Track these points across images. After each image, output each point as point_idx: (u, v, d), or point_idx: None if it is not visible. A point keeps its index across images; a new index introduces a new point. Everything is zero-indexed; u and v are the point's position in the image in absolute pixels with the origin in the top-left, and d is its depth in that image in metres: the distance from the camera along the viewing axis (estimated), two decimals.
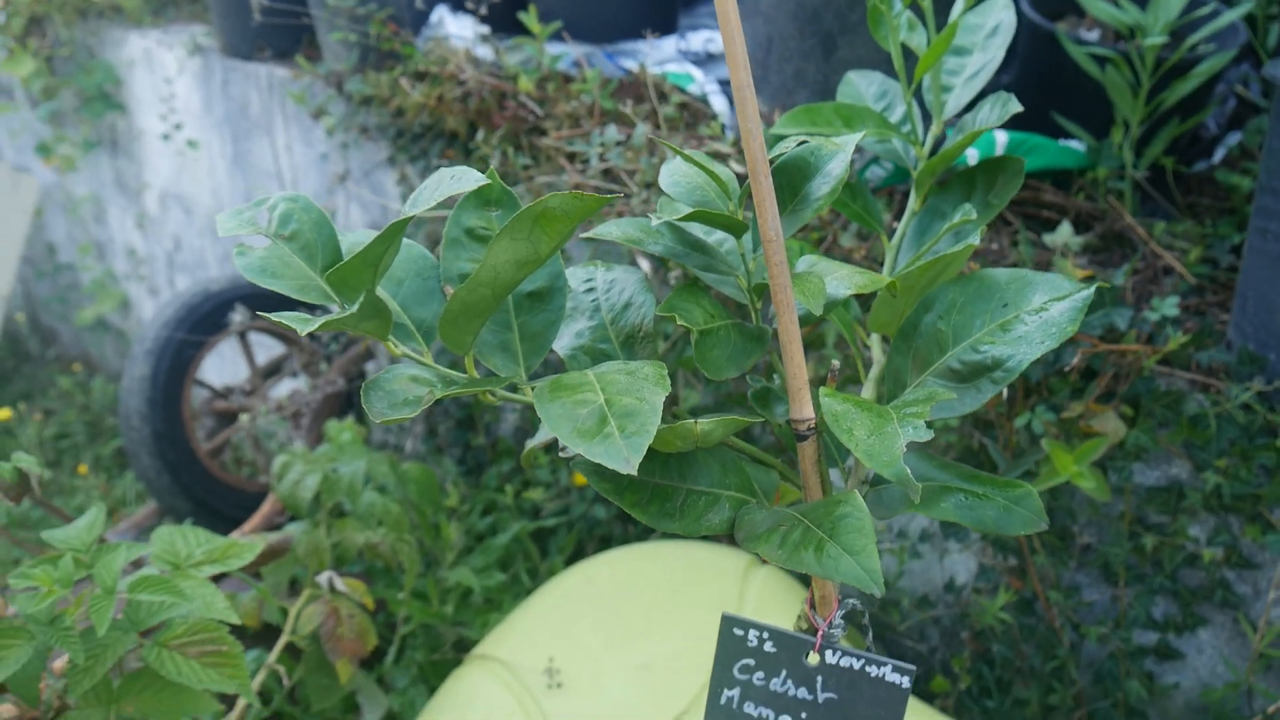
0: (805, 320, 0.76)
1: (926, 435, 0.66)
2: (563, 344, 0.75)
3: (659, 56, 2.01)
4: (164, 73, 2.88)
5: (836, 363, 0.78)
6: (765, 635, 0.75)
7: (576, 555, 1.90)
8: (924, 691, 1.58)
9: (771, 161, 0.76)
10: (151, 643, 0.95)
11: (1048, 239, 1.56)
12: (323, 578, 1.34)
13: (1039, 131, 1.70)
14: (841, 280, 0.75)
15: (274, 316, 0.58)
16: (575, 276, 0.79)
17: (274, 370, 2.36)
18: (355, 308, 0.61)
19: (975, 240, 0.82)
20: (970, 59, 1.13)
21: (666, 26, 2.12)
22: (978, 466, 1.45)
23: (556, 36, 2.04)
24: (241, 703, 1.30)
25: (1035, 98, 1.78)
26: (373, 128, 2.19)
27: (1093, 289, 0.74)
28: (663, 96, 1.86)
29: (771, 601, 1.57)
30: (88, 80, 3.07)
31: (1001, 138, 1.62)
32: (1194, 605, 1.37)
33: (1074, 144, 1.68)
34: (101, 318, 3.71)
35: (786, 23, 1.62)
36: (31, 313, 4.32)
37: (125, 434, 2.01)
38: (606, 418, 0.58)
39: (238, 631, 1.59)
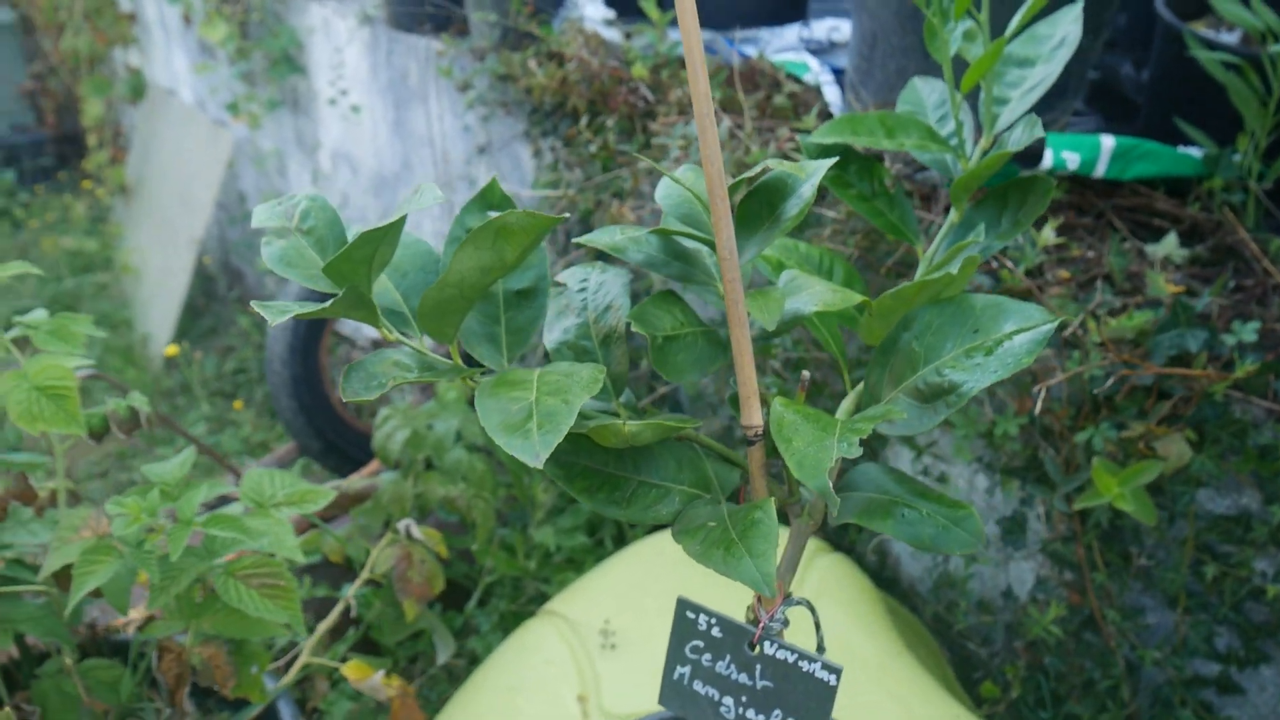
0: (783, 329, 0.81)
1: (855, 452, 0.69)
2: (551, 338, 0.83)
3: (781, 44, 2.03)
4: (337, 41, 3.08)
5: (807, 374, 0.82)
6: (713, 621, 0.80)
7: (662, 526, 1.98)
8: (976, 696, 1.59)
9: (753, 180, 0.81)
10: (222, 571, 1.09)
11: (1149, 249, 1.52)
12: (401, 524, 1.47)
13: (1168, 134, 1.64)
14: (811, 297, 0.79)
15: (254, 305, 0.68)
16: (574, 275, 0.86)
17: None
18: (338, 298, 0.70)
19: (973, 262, 0.84)
20: (1033, 71, 1.12)
21: (796, 14, 2.13)
22: (1037, 479, 1.44)
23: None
24: (328, 620, 1.45)
25: (1166, 99, 1.72)
26: (511, 102, 2.31)
27: (1055, 324, 0.75)
28: (776, 85, 1.89)
29: (832, 587, 1.61)
30: (274, 44, 3.32)
31: (1108, 142, 1.58)
32: (1258, 640, 1.33)
33: (1193, 151, 1.62)
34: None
35: (890, 19, 1.62)
36: (223, 255, 4.70)
37: (269, 376, 2.21)
38: (532, 415, 0.65)
39: (331, 565, 1.75)
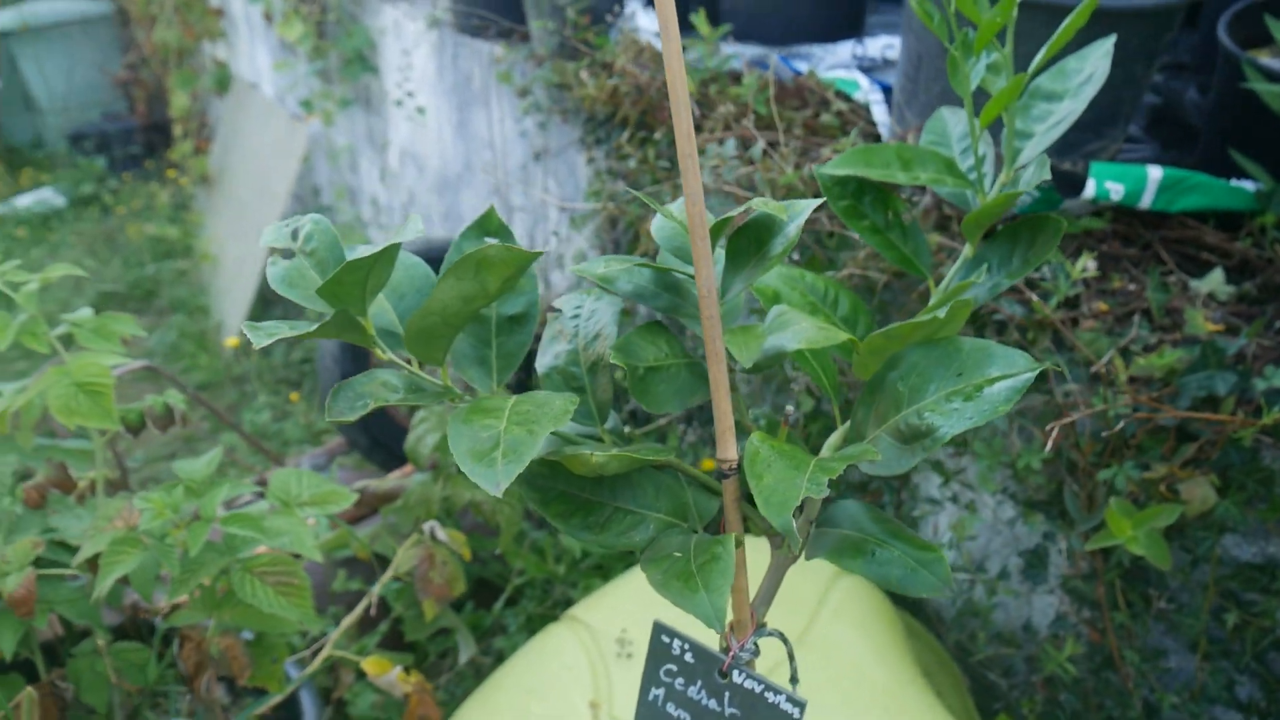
0: (765, 365, 0.82)
1: (823, 492, 0.70)
2: (543, 362, 0.85)
3: (833, 61, 2.03)
4: (406, 43, 3.15)
5: (791, 408, 0.83)
6: (687, 646, 0.82)
7: None
8: None
9: (747, 213, 0.82)
10: (239, 567, 1.14)
11: (1194, 284, 1.49)
12: (427, 526, 1.51)
13: (1226, 165, 1.61)
14: (796, 334, 0.80)
15: (244, 326, 0.71)
16: (569, 302, 0.88)
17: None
18: (328, 320, 0.73)
19: (964, 306, 0.84)
20: (1060, 105, 1.11)
21: (851, 31, 2.13)
22: (1060, 514, 1.42)
23: (737, 36, 2.09)
24: (352, 616, 1.49)
25: (1224, 130, 1.68)
26: (567, 110, 2.34)
27: (1035, 373, 0.75)
28: (824, 103, 1.89)
29: (851, 609, 1.61)
30: (348, 44, 3.40)
31: (1155, 173, 1.55)
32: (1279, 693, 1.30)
33: (1247, 184, 1.58)
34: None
35: (934, 41, 1.61)
36: None
37: (320, 373, 2.27)
38: (499, 444, 0.67)
39: (360, 562, 1.79)
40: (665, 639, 0.83)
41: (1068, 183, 1.55)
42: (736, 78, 1.99)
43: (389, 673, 1.40)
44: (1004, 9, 1.02)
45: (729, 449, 0.77)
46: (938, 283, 1.15)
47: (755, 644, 0.80)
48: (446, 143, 3.14)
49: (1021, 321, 1.45)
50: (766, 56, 2.04)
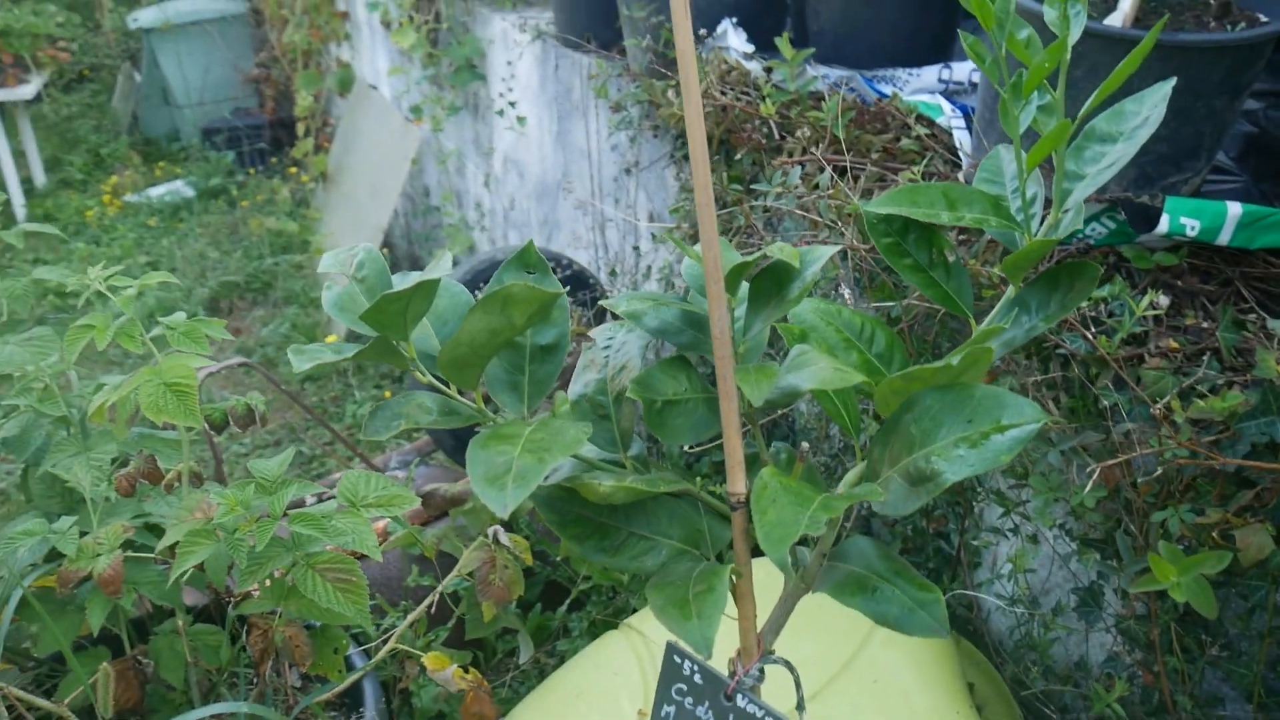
0: (781, 403, 0.85)
1: (819, 530, 0.73)
2: (574, 389, 0.90)
3: (919, 85, 2.03)
4: (512, 53, 3.24)
5: (806, 445, 0.86)
6: (696, 669, 0.86)
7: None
8: None
9: (768, 254, 0.85)
10: (304, 562, 1.21)
11: (1271, 324, 1.46)
12: (491, 530, 1.57)
13: None
14: (812, 374, 0.83)
15: (290, 350, 0.78)
16: (603, 333, 0.92)
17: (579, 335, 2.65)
18: (367, 346, 0.79)
19: (982, 355, 0.86)
20: (1113, 148, 1.12)
21: (938, 55, 2.12)
22: (1115, 553, 1.40)
23: (823, 59, 2.11)
24: (415, 613, 1.57)
25: None
26: (658, 126, 2.38)
27: (1039, 425, 0.76)
28: (906, 127, 1.89)
29: (903, 635, 1.61)
30: (458, 52, 3.52)
31: (1234, 210, 1.52)
32: None
33: None
34: (452, 258, 4.24)
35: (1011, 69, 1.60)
36: (408, 244, 4.99)
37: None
38: (511, 469, 0.72)
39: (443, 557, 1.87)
40: (677, 659, 0.86)
41: (1142, 217, 1.53)
42: (820, 100, 2.01)
43: (446, 669, 1.47)
44: (1052, 54, 1.03)
45: (738, 483, 0.80)
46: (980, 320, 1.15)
47: (761, 670, 0.83)
48: (546, 151, 3.22)
49: (1085, 357, 1.44)
50: (851, 79, 2.05)
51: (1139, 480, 1.35)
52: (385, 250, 4.86)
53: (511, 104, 3.17)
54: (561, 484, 0.81)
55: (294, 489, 1.21)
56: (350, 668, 1.49)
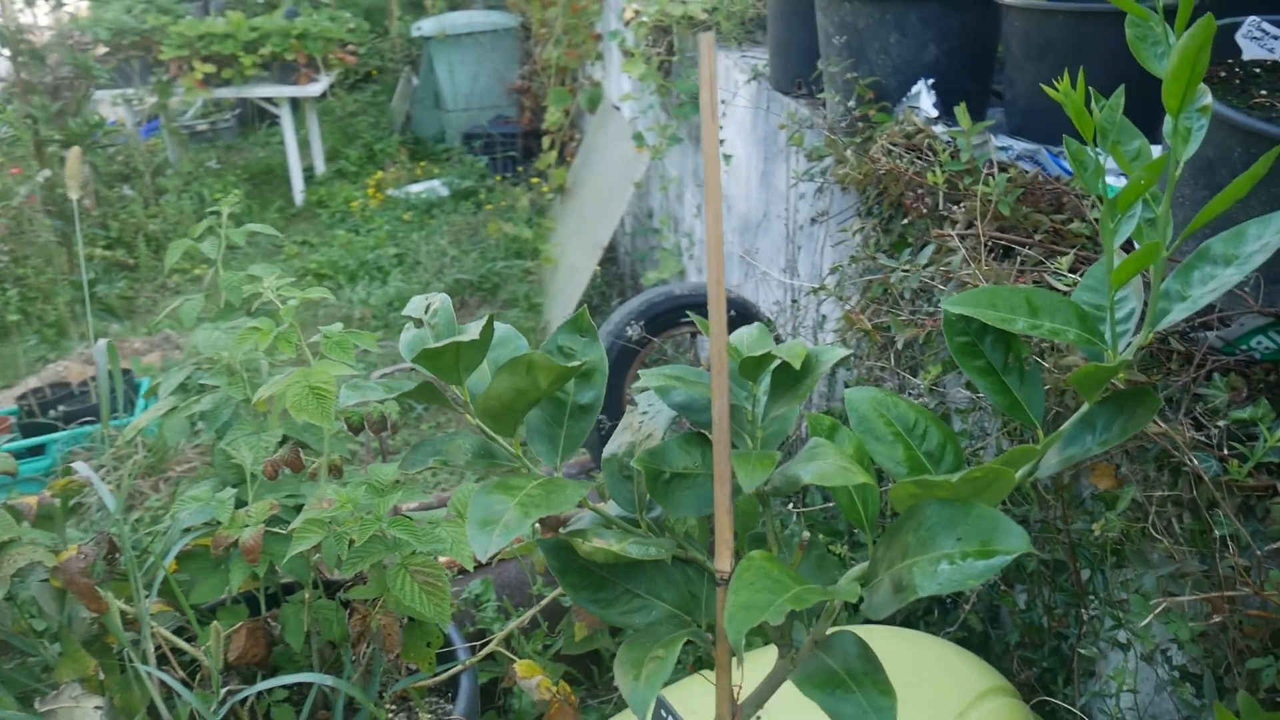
0: (784, 491, 0.88)
1: (778, 619, 0.77)
2: (609, 448, 0.97)
3: (1110, 165, 1.95)
4: (729, 90, 3.33)
5: (806, 534, 0.89)
6: None
7: None
8: None
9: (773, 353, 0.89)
10: (399, 562, 1.34)
11: None
12: None
13: None
14: (816, 468, 0.86)
15: (345, 385, 0.89)
16: (645, 399, 0.99)
17: None
18: (414, 388, 0.89)
19: (1001, 478, 0.86)
20: (1225, 271, 1.08)
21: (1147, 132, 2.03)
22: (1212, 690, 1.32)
23: (1013, 131, 2.07)
24: (516, 621, 1.68)
25: None
26: (848, 179, 2.41)
27: (1015, 555, 0.77)
28: (1079, 210, 1.83)
29: None
30: (683, 86, 3.64)
31: None
32: None
33: None
34: (662, 280, 4.38)
35: (1184, 168, 1.53)
36: (629, 264, 5.18)
37: None
38: (501, 518, 0.80)
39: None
40: (664, 714, 0.92)
41: None
42: (1004, 169, 1.98)
43: (534, 677, 1.56)
44: (1152, 171, 1.02)
45: (724, 561, 0.85)
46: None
47: None
48: (752, 189, 3.29)
49: (1211, 480, 1.36)
50: (1037, 153, 2.01)
51: (1244, 620, 1.27)
52: (606, 266, 5.07)
53: (720, 141, 3.25)
54: (560, 536, 0.88)
55: (399, 494, 1.34)
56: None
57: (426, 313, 0.99)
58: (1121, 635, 1.55)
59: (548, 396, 0.93)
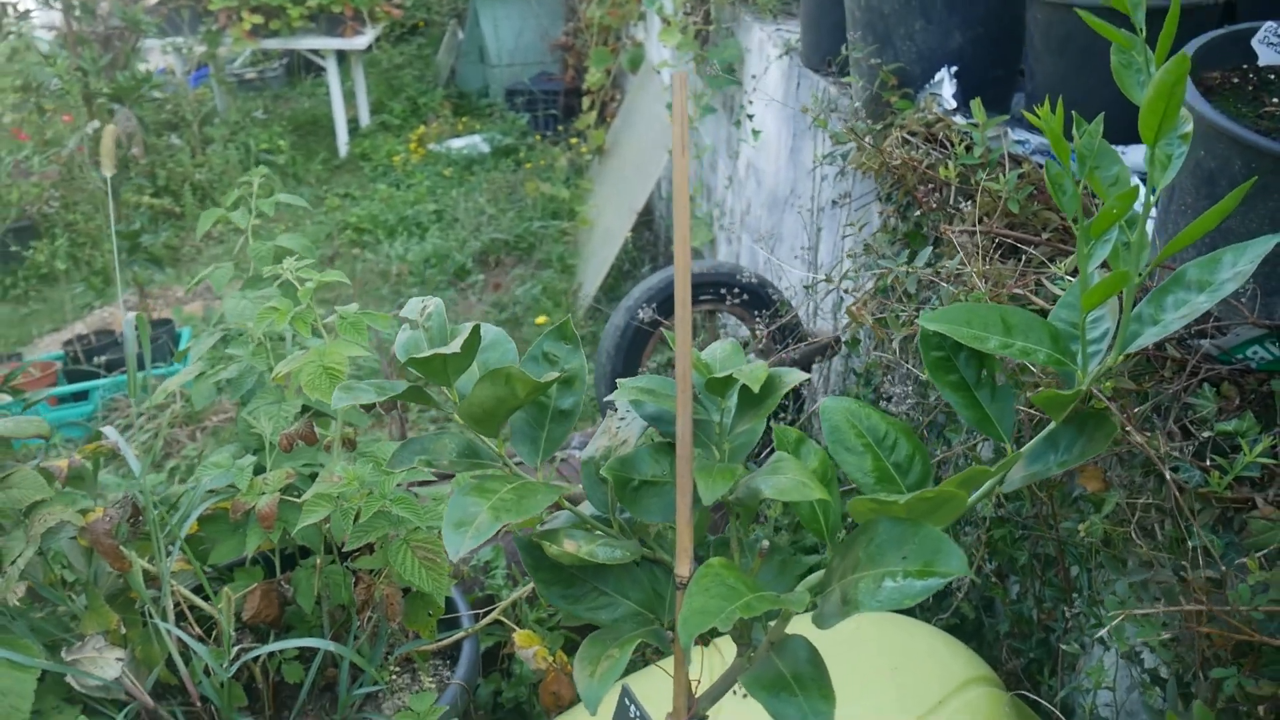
0: (745, 503, 0.93)
1: (727, 626, 0.83)
2: (587, 451, 1.02)
3: (1132, 162, 1.96)
4: (761, 64, 3.34)
5: (766, 543, 0.94)
6: (636, 714, 0.97)
7: None
8: None
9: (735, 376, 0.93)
10: (401, 536, 1.42)
11: None
12: None
13: None
14: (775, 482, 0.91)
15: (338, 389, 0.95)
16: (624, 405, 1.04)
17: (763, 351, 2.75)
18: (405, 390, 0.95)
19: (951, 499, 0.91)
20: (1198, 298, 1.10)
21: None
22: (1181, 694, 1.36)
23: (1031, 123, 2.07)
24: (516, 594, 1.75)
25: None
26: (865, 167, 2.42)
27: (947, 580, 0.81)
28: (1094, 207, 1.85)
29: (967, 716, 1.62)
30: (719, 55, 3.65)
31: None
32: None
33: None
34: (694, 248, 4.41)
35: (1186, 177, 1.54)
36: (666, 228, 5.21)
37: (595, 368, 2.55)
38: (475, 519, 0.86)
39: None
40: (627, 702, 0.98)
41: None
42: (1018, 164, 1.98)
43: (531, 647, 1.64)
44: (1123, 202, 1.04)
45: (683, 566, 0.90)
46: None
47: None
48: (781, 164, 3.31)
49: (1195, 490, 1.39)
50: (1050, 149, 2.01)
51: (1212, 632, 1.31)
52: (642, 230, 5.10)
53: (749, 115, 3.26)
54: (533, 535, 0.94)
55: (403, 474, 1.41)
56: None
57: (421, 317, 1.04)
58: (1103, 633, 1.59)
59: (531, 401, 0.99)
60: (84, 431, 3.45)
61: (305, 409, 1.76)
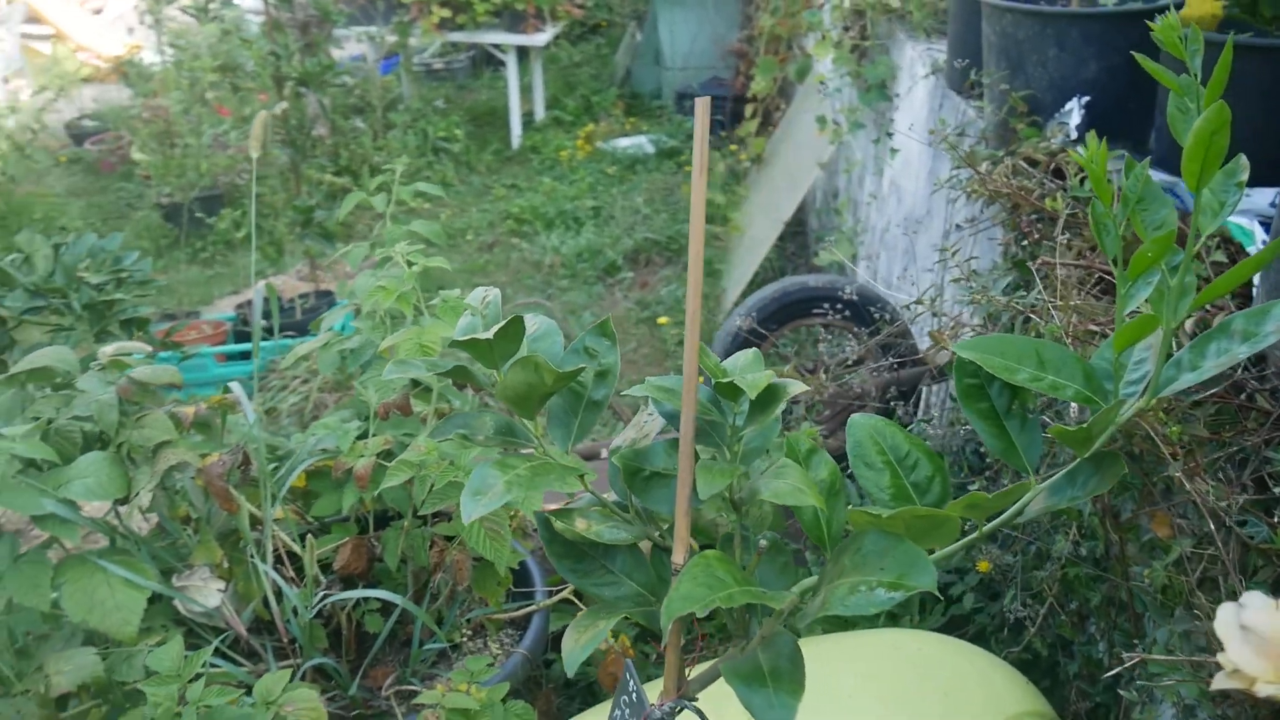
0: (747, 504, 0.99)
1: (704, 613, 0.89)
2: (616, 441, 1.10)
3: (1247, 205, 1.89)
4: (909, 82, 3.33)
5: (764, 542, 1.00)
6: (634, 690, 1.04)
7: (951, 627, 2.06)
8: None
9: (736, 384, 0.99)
10: None
11: None
12: None
13: None
14: (774, 485, 0.97)
15: (391, 364, 1.06)
16: (650, 403, 1.11)
17: (857, 362, 2.78)
18: (450, 368, 1.05)
19: (943, 520, 0.95)
20: (1240, 348, 1.10)
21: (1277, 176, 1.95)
22: None
23: (1156, 159, 2.03)
24: None
25: None
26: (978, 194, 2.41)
27: (914, 593, 0.85)
28: (1207, 248, 1.80)
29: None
30: (873, 72, 3.65)
31: None
32: None
33: None
34: (836, 263, 4.41)
35: None
36: (813, 240, 5.22)
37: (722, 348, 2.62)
38: (491, 489, 0.95)
39: None
40: (628, 677, 1.05)
41: None
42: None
43: None
44: (1159, 244, 1.05)
45: (679, 555, 0.97)
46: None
47: (671, 709, 1.00)
48: (920, 184, 3.29)
49: (1254, 546, 1.36)
50: (1175, 185, 1.96)
51: None
52: (793, 239, 5.13)
53: (889, 134, 3.26)
54: (551, 512, 1.03)
55: (478, 450, 1.52)
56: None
57: (480, 304, 1.15)
58: (1150, 682, 1.56)
59: (567, 389, 1.08)
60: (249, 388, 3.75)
61: (415, 383, 1.91)
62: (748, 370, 1.03)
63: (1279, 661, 0.68)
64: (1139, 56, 1.10)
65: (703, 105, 0.94)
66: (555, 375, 0.98)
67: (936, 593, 0.88)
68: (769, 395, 0.99)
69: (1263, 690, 0.67)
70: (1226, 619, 0.73)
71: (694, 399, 0.94)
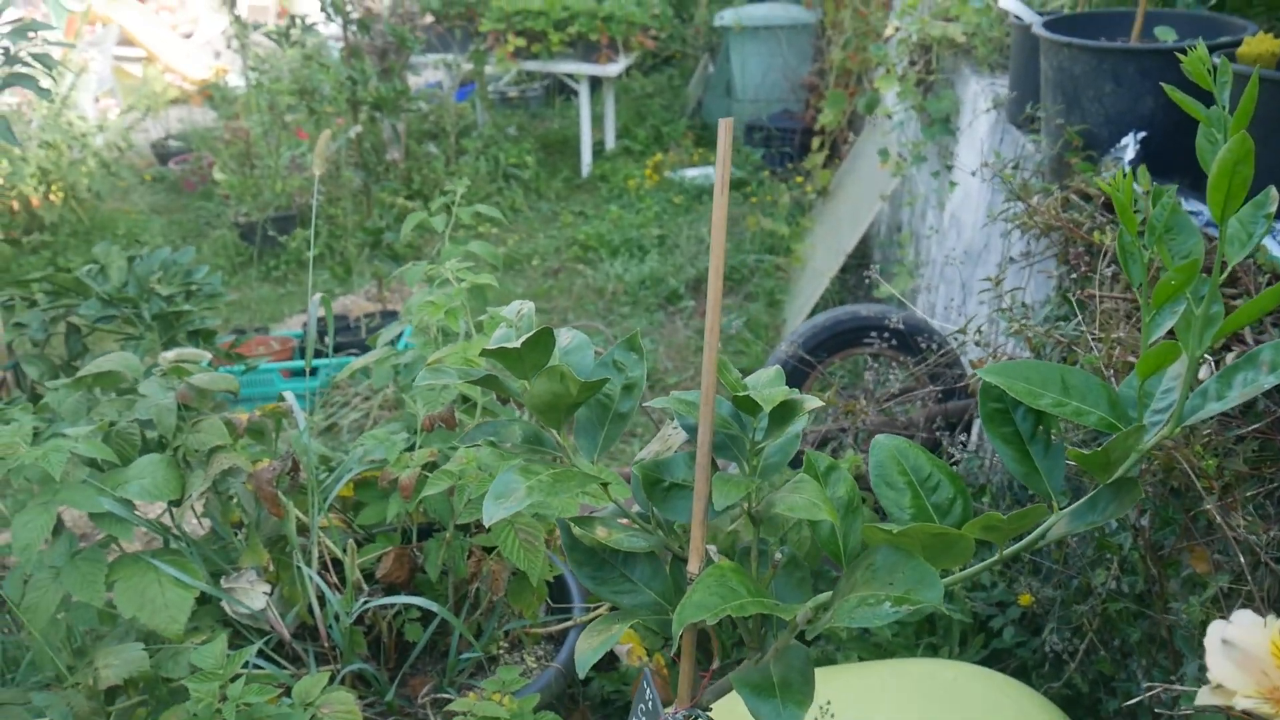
0: (762, 516, 1.01)
1: (714, 621, 0.91)
2: (642, 453, 1.13)
3: None
4: (970, 116, 3.32)
5: (779, 555, 1.01)
6: (650, 699, 1.06)
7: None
8: None
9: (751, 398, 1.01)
10: (507, 520, 1.56)
11: None
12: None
13: None
14: (790, 500, 0.98)
15: (426, 367, 1.10)
16: (676, 417, 1.14)
17: (903, 391, 2.77)
18: (481, 378, 1.09)
19: (955, 537, 0.96)
20: (1265, 378, 1.10)
21: None
22: None
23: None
24: None
25: None
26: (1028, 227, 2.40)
27: (917, 609, 0.87)
28: (1261, 280, 1.78)
29: None
30: (936, 106, 3.65)
31: None
32: None
33: None
34: (893, 296, 4.40)
35: None
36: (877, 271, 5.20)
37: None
38: (512, 494, 0.98)
39: None
40: (646, 685, 1.08)
41: None
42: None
43: (627, 644, 1.75)
44: (1184, 273, 1.06)
45: (694, 564, 0.99)
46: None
47: (684, 716, 1.02)
48: (978, 218, 3.28)
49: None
50: None
51: None
52: (855, 272, 5.12)
53: (949, 167, 3.26)
54: (571, 519, 1.05)
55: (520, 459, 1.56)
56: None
57: (516, 318, 1.19)
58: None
59: (594, 400, 1.11)
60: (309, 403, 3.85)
61: (464, 399, 1.96)
62: (766, 386, 1.06)
63: (1259, 676, 0.68)
64: (1168, 88, 1.10)
65: (725, 126, 0.98)
66: (580, 385, 1.01)
67: (943, 609, 0.89)
68: (786, 410, 1.01)
69: (1240, 704, 0.67)
70: (1212, 636, 0.73)
71: (711, 412, 0.97)
